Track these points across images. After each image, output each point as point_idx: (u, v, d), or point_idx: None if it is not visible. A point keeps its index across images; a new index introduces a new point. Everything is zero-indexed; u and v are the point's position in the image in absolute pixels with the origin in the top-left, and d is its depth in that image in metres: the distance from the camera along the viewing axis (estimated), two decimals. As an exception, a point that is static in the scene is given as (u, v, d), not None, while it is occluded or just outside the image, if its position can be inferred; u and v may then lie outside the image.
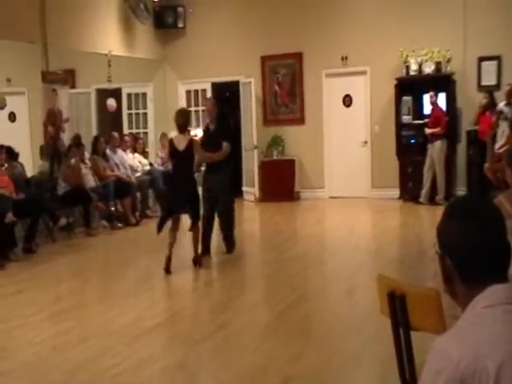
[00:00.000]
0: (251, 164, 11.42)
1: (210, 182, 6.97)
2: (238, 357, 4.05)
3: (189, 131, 6.61)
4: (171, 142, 6.62)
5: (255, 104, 11.39)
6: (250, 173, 11.48)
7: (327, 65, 11.19)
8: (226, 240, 7.16)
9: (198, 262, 6.60)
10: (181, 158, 6.43)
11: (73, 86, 10.99)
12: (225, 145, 6.88)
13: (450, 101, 10.22)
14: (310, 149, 11.39)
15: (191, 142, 6.58)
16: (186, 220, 6.91)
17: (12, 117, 11.32)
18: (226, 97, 11.96)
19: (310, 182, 11.54)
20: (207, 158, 6.88)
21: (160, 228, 6.49)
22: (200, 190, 6.90)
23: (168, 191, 7.04)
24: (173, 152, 6.52)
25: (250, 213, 10.94)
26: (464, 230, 1.42)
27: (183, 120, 6.66)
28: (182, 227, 6.84)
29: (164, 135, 11.36)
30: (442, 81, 10.23)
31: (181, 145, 6.46)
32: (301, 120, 11.55)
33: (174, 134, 11.08)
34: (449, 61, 10.25)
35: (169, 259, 6.30)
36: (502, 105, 8.55)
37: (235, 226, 7.24)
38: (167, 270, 6.30)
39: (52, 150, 9.09)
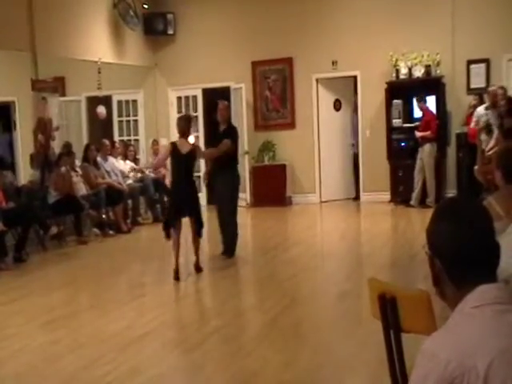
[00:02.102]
0: (242, 169, 11.39)
1: (216, 182, 7.20)
2: (230, 362, 4.03)
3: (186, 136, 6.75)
4: (174, 145, 6.62)
5: (246, 109, 11.40)
6: (241, 178, 11.45)
7: (317, 69, 11.23)
8: (228, 242, 7.20)
9: (199, 267, 6.58)
10: (183, 161, 6.50)
11: (63, 94, 10.96)
12: (225, 141, 7.02)
13: (440, 104, 10.27)
14: (300, 153, 11.41)
15: (195, 148, 6.74)
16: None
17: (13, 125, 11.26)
18: (217, 103, 11.93)
19: (301, 187, 11.55)
20: (207, 154, 7.22)
21: (168, 234, 6.47)
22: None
23: (170, 195, 7.12)
24: (175, 155, 6.52)
25: (242, 218, 10.81)
26: (452, 231, 1.42)
27: (184, 124, 6.74)
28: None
29: (155, 142, 11.34)
30: (431, 84, 10.29)
31: (184, 148, 6.51)
32: (291, 125, 11.57)
33: (163, 140, 11.05)
34: (438, 64, 10.30)
35: (177, 268, 6.30)
36: (481, 109, 8.54)
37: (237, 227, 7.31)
38: (177, 278, 6.26)
39: (42, 159, 9.04)
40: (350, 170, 11.66)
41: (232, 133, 7.25)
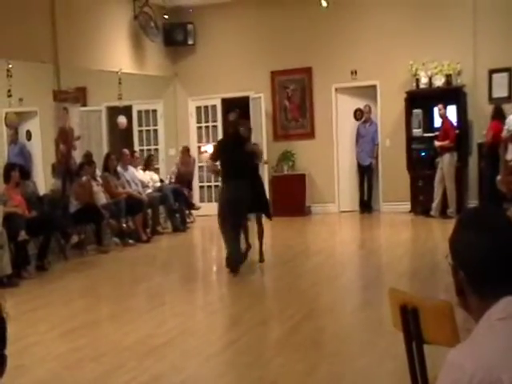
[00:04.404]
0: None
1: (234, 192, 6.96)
2: (250, 372, 4.02)
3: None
4: None
5: (265, 119, 11.43)
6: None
7: (337, 79, 11.23)
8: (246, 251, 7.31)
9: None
10: None
11: (84, 104, 11.10)
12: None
13: (461, 113, 10.20)
14: (320, 163, 11.40)
15: None
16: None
17: (28, 135, 11.46)
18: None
19: (320, 197, 11.52)
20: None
21: None
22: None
23: None
24: None
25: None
26: (476, 241, 1.41)
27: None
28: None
29: (186, 150, 11.25)
30: (452, 93, 10.23)
31: None
32: (311, 134, 11.57)
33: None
34: (459, 73, 10.25)
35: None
36: None
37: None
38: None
39: (64, 168, 9.16)
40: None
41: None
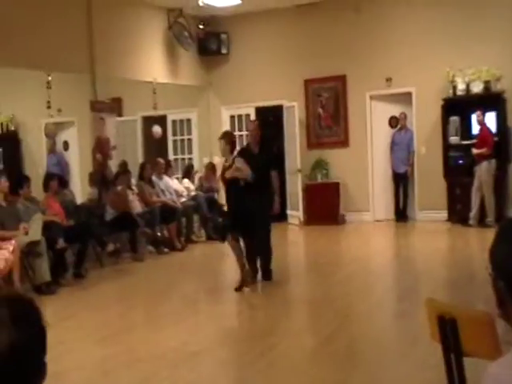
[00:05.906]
0: (295, 187, 11.40)
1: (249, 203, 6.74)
2: (283, 382, 3.99)
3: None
4: None
5: (299, 127, 11.41)
6: (294, 196, 11.46)
7: (371, 87, 11.14)
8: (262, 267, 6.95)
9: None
10: None
11: (120, 114, 11.28)
12: (274, 174, 7.00)
13: (501, 120, 10.00)
14: (354, 171, 11.31)
15: None
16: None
17: (65, 145, 11.70)
18: (270, 121, 12.03)
19: (354, 205, 11.42)
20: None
21: None
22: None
23: None
24: None
25: (295, 236, 10.89)
26: (516, 251, 1.37)
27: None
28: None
29: (211, 166, 11.18)
30: (491, 100, 10.03)
31: None
32: (345, 143, 11.50)
33: (216, 159, 11.04)
34: (498, 79, 10.05)
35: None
36: None
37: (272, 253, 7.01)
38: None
39: (100, 177, 9.30)
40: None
41: (272, 160, 7.19)
